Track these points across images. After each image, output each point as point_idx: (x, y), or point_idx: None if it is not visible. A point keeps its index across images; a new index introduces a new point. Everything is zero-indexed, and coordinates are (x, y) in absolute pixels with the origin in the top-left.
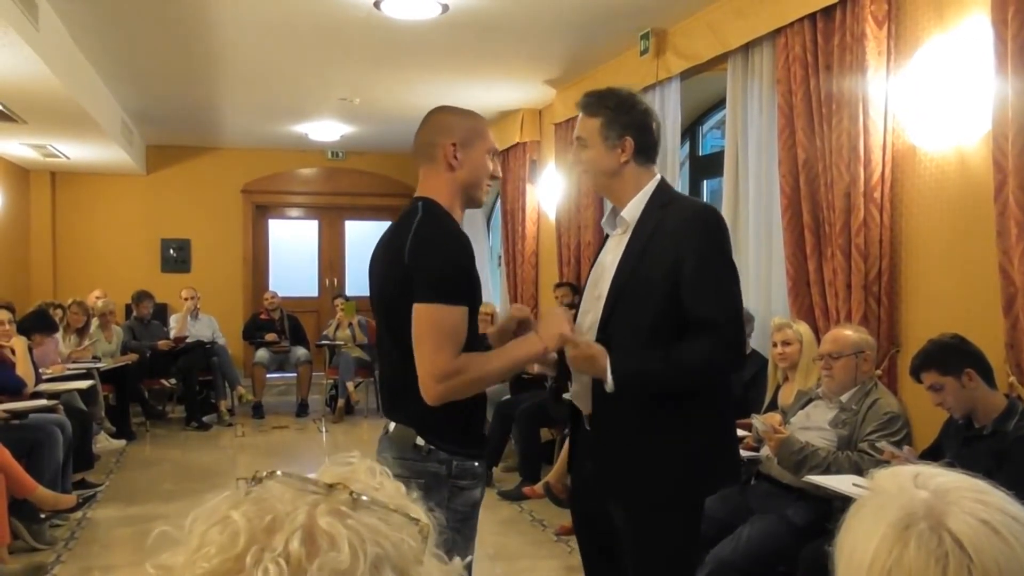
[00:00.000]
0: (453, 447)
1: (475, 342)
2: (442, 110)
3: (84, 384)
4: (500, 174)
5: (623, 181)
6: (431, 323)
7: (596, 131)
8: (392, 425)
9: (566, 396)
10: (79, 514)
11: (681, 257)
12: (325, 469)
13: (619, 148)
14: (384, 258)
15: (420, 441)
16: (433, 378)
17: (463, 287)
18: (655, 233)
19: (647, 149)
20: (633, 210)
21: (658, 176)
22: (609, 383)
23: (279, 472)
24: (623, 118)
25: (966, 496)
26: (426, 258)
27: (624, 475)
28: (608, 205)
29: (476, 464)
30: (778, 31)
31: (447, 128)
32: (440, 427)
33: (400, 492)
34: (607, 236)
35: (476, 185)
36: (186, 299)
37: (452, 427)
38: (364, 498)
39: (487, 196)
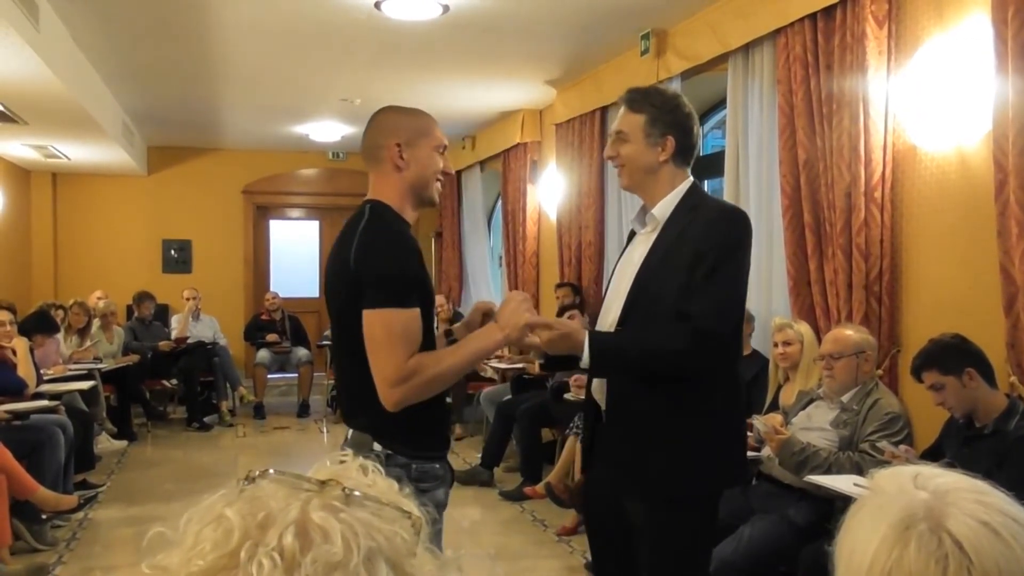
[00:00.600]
0: (411, 450)
1: (430, 343)
2: (386, 111)
3: (85, 385)
4: (451, 170)
5: (658, 180)
6: (382, 328)
7: (639, 127)
8: (351, 432)
9: (568, 397)
10: (80, 515)
11: (698, 256)
12: (318, 467)
13: (660, 147)
14: (333, 264)
15: (377, 447)
16: (388, 383)
17: (411, 289)
18: (682, 233)
19: (686, 151)
20: (664, 209)
21: (691, 179)
22: (585, 358)
23: (272, 471)
24: (667, 117)
25: (966, 497)
26: (372, 263)
27: (641, 470)
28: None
29: (437, 465)
30: (778, 31)
31: (391, 129)
32: (396, 431)
33: (392, 488)
34: (632, 233)
35: (425, 184)
36: (187, 299)
37: (409, 430)
38: (356, 493)
39: (439, 194)
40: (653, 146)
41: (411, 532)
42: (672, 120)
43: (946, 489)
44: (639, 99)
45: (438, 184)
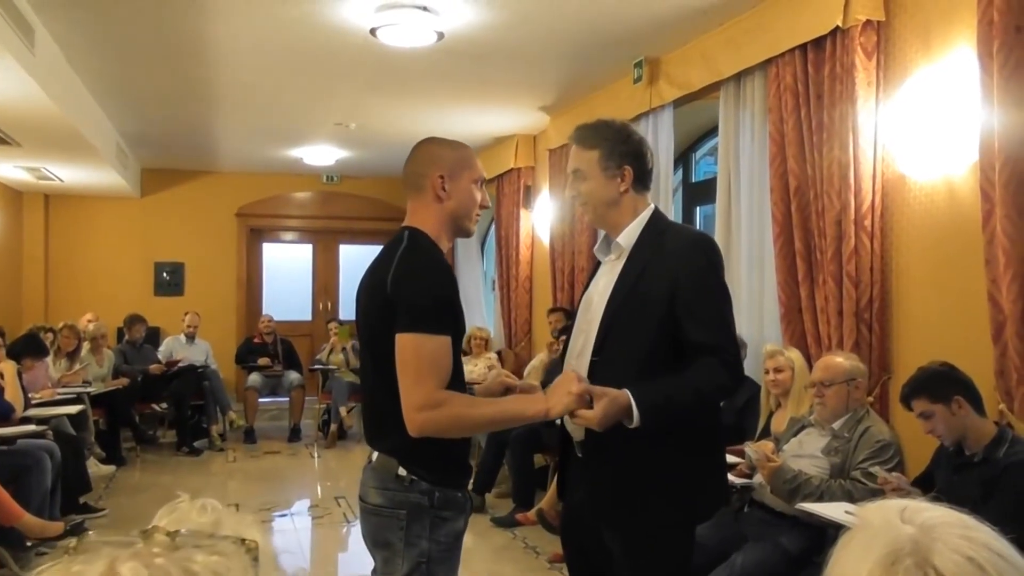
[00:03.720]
0: (436, 477)
1: (459, 373)
2: (430, 141)
3: (74, 409)
4: (488, 203)
5: (620, 210)
6: (413, 353)
7: (595, 163)
8: (375, 455)
9: (557, 422)
10: (66, 542)
11: (678, 283)
12: (160, 514)
13: (619, 178)
14: (369, 287)
15: (402, 471)
16: (414, 408)
17: (445, 317)
18: (652, 259)
19: (644, 177)
20: (629, 236)
21: (652, 205)
22: (636, 418)
23: (91, 533)
24: (621, 148)
25: (952, 532)
26: (408, 288)
27: (617, 501)
28: (601, 231)
29: (459, 494)
30: (769, 61)
31: (435, 160)
32: (422, 457)
33: (239, 520)
34: (599, 263)
35: (465, 216)
36: (189, 326)
37: (435, 457)
38: (183, 531)
39: (476, 225)
40: (612, 178)
41: (246, 558)
42: (626, 150)
43: (932, 524)
44: (590, 135)
45: (476, 216)
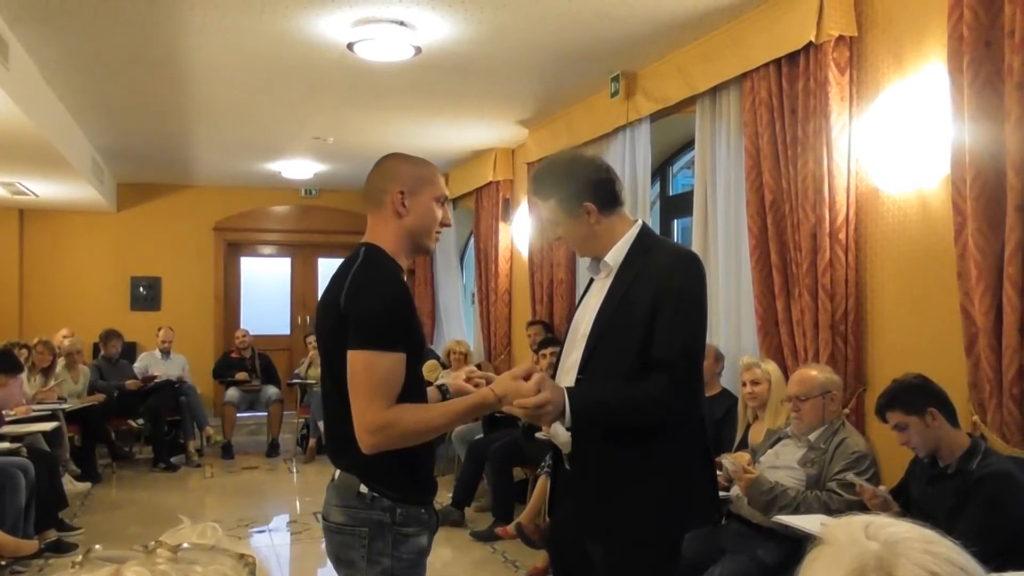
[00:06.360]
0: (397, 494)
1: (415, 388)
2: (392, 157)
3: (48, 426)
4: (450, 222)
5: (599, 238)
6: (364, 370)
7: (556, 210)
8: (337, 473)
9: (540, 435)
10: (40, 560)
11: (659, 300)
12: (166, 535)
13: (584, 214)
14: (324, 304)
15: (363, 489)
16: (365, 429)
17: (398, 334)
18: (638, 276)
19: (609, 199)
20: (616, 255)
21: (640, 222)
22: (567, 417)
23: (98, 547)
24: (573, 188)
25: (915, 547)
26: (361, 304)
27: (603, 513)
28: None
29: (422, 511)
30: (744, 75)
31: (396, 175)
32: (384, 474)
33: (237, 545)
34: (591, 280)
35: (424, 233)
36: (163, 342)
37: (396, 473)
38: (185, 545)
39: (435, 244)
40: (578, 217)
41: (244, 571)
42: (579, 188)
43: (896, 539)
44: (541, 188)
45: (436, 234)
